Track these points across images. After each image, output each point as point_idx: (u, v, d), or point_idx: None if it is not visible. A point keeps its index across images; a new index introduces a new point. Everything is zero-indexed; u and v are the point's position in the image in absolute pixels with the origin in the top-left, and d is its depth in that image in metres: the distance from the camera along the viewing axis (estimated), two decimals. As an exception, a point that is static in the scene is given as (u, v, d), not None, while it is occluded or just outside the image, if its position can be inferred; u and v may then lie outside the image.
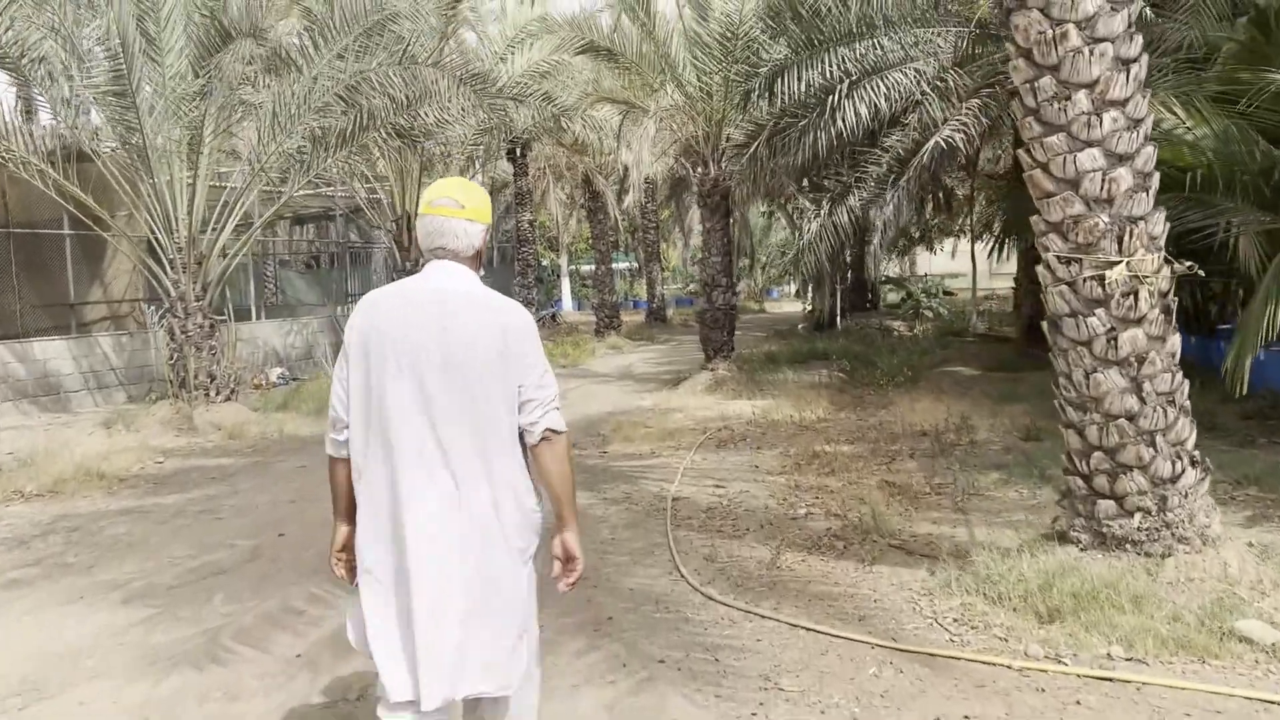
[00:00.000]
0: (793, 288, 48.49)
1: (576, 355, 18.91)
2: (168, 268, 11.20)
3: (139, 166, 10.59)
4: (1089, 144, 4.25)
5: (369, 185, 16.95)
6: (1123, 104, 4.24)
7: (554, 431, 2.52)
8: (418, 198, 16.44)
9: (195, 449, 9.98)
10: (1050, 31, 4.22)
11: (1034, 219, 4.57)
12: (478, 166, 17.95)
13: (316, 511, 6.71)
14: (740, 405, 11.38)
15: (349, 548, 2.62)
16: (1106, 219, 4.27)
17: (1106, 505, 4.45)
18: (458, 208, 2.55)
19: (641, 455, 8.75)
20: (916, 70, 10.24)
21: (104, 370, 13.61)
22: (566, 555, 2.59)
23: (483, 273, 2.70)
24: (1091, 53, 4.18)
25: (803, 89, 10.70)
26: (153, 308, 13.68)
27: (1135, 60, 4.28)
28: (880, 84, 10.24)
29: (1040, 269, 4.61)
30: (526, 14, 16.04)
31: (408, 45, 10.16)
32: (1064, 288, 4.43)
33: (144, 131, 10.08)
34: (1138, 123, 4.28)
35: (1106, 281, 4.27)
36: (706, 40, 12.36)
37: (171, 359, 11.39)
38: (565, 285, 37.67)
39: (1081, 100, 4.22)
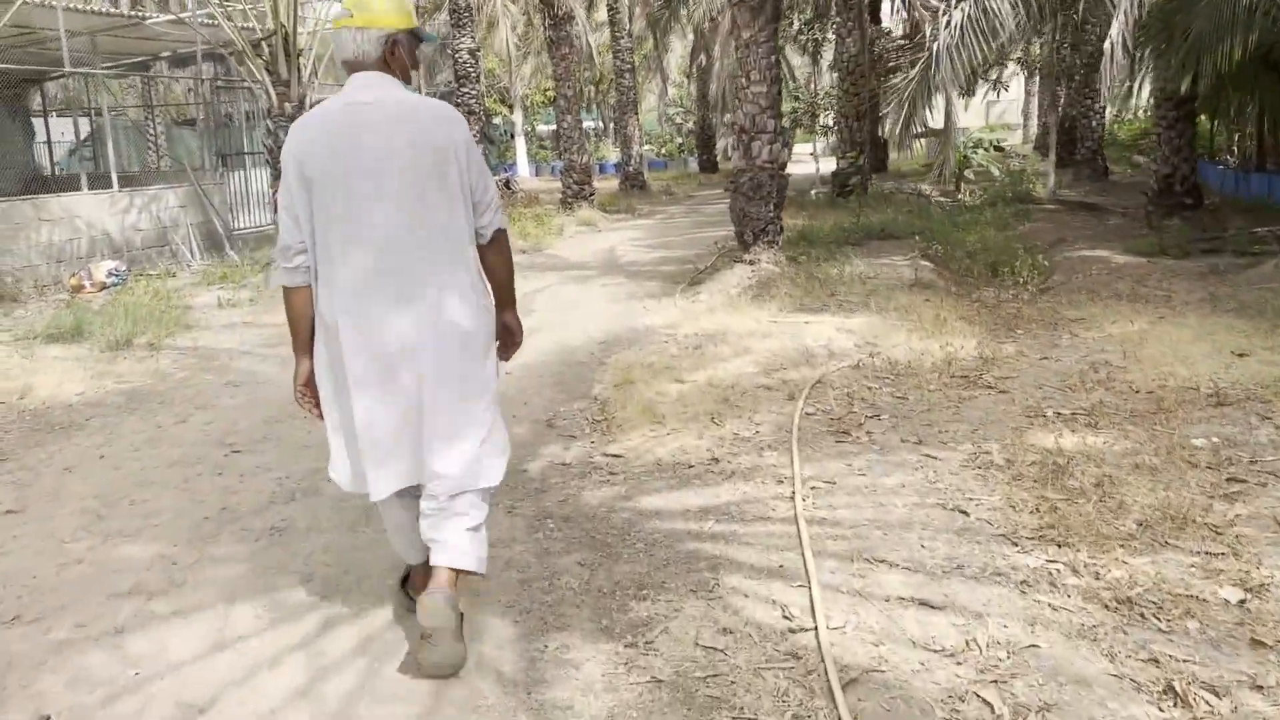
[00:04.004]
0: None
1: (540, 235, 14.14)
2: None
3: None
4: None
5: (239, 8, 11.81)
6: None
7: (501, 230, 2.67)
8: (296, 6, 11.31)
9: None
10: None
11: None
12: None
13: None
14: (821, 327, 6.87)
15: (313, 381, 2.63)
16: None
17: None
18: (346, 16, 2.51)
19: (690, 467, 4.25)
20: None
21: None
22: (506, 331, 2.80)
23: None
24: None
25: None
26: None
27: None
28: None
29: None
30: None
31: None
32: None
33: None
34: None
35: None
36: None
37: None
38: (520, 146, 32.30)
39: None
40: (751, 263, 8.54)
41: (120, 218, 11.53)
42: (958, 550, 3.30)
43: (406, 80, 2.60)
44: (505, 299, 2.77)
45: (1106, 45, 8.23)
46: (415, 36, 2.64)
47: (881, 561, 3.22)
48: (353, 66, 2.52)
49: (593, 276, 10.40)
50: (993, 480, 3.93)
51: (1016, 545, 3.32)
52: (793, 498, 3.78)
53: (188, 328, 7.79)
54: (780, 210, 8.64)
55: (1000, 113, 38.82)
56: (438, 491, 2.58)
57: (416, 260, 2.45)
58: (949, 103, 7.51)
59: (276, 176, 10.21)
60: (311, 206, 2.44)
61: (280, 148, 10.94)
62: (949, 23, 6.88)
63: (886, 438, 4.53)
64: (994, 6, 6.50)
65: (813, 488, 3.90)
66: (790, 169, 30.78)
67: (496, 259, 2.70)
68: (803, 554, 3.27)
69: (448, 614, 2.50)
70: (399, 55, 2.55)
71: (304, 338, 2.61)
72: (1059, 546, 3.29)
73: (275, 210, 2.62)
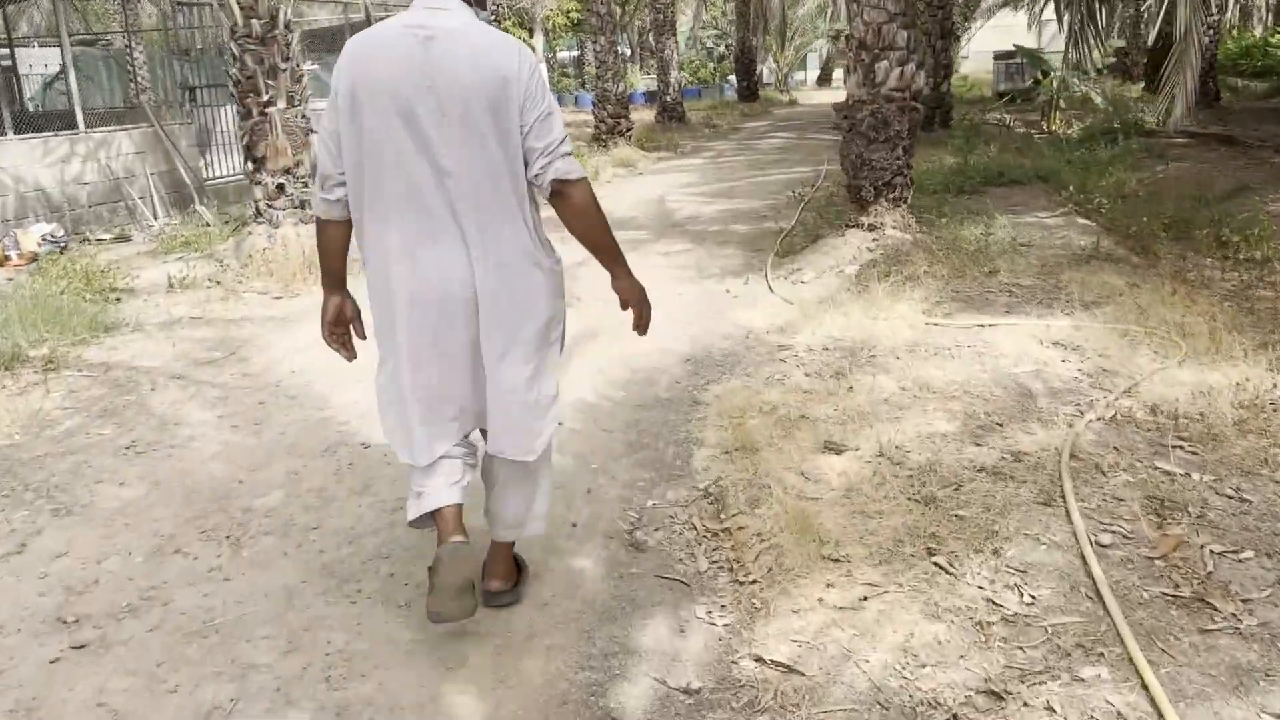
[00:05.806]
0: (809, 73, 40.27)
1: (572, 181, 11.82)
2: None
3: None
4: None
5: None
6: None
7: (563, 181, 2.21)
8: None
9: None
10: None
11: None
12: None
13: None
14: (1013, 337, 4.64)
15: (343, 320, 2.42)
16: None
17: None
18: None
19: (953, 718, 2.12)
20: None
21: None
22: (624, 303, 2.41)
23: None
24: None
25: None
26: None
27: None
28: None
29: None
30: None
31: None
32: None
33: None
34: None
35: None
36: None
37: None
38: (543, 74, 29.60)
39: None
40: (872, 227, 6.28)
41: (59, 169, 9.35)
42: None
43: (481, 5, 2.28)
44: (607, 264, 2.35)
45: None
46: None
47: None
48: None
49: (646, 241, 8.16)
50: None
51: None
52: None
53: (107, 330, 5.67)
54: (910, 153, 6.35)
55: (1052, 35, 35.56)
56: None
57: (467, 209, 2.16)
58: (1193, 6, 5.28)
59: (245, 115, 8.02)
60: (360, 135, 2.15)
61: (247, 78, 8.80)
62: None
63: (1289, 620, 2.38)
64: None
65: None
66: (817, 99, 28.16)
67: (569, 218, 2.26)
68: None
69: (465, 566, 2.26)
70: None
71: (334, 273, 2.36)
72: None
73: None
